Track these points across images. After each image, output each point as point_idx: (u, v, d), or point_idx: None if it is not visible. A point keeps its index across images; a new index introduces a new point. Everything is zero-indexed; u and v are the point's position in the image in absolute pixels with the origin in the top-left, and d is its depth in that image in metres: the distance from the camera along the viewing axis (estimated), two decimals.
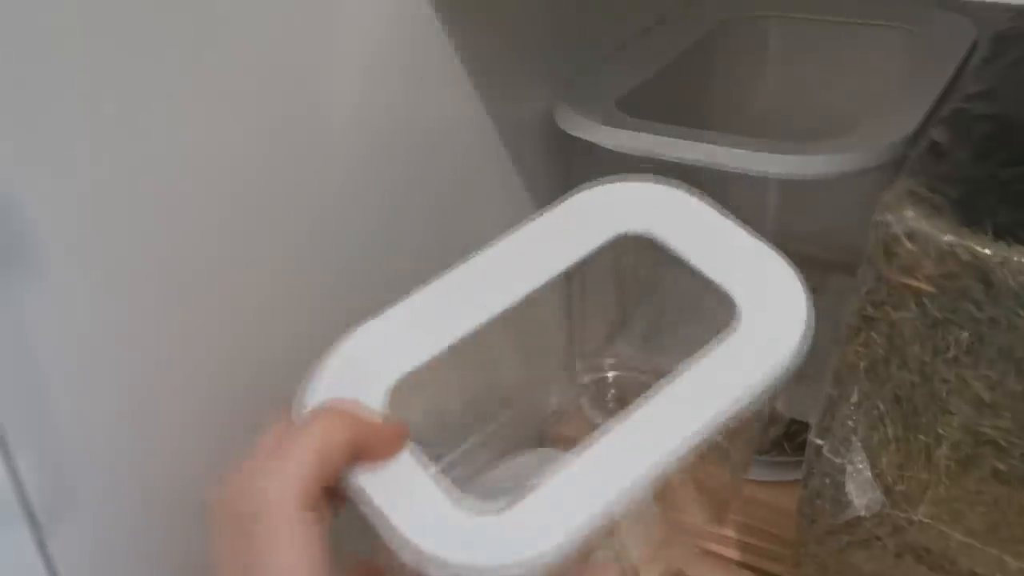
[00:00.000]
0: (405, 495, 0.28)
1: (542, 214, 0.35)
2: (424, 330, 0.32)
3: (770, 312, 0.32)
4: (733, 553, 0.51)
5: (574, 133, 0.49)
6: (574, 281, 0.56)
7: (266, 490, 0.26)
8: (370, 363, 0.31)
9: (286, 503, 0.25)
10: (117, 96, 0.31)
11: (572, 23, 0.53)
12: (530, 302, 0.33)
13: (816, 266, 0.59)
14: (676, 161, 0.46)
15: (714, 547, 0.51)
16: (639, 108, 0.50)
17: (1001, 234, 0.32)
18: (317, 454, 0.27)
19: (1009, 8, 0.46)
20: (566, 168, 0.54)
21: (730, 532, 0.51)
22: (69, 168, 0.30)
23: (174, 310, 0.35)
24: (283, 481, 0.26)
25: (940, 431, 0.35)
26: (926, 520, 0.37)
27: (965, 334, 0.33)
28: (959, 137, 0.39)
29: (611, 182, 0.37)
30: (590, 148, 0.49)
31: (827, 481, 0.39)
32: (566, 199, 0.36)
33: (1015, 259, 0.31)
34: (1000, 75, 0.42)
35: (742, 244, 0.34)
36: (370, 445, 0.29)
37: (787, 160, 0.44)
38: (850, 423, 0.38)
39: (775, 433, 0.54)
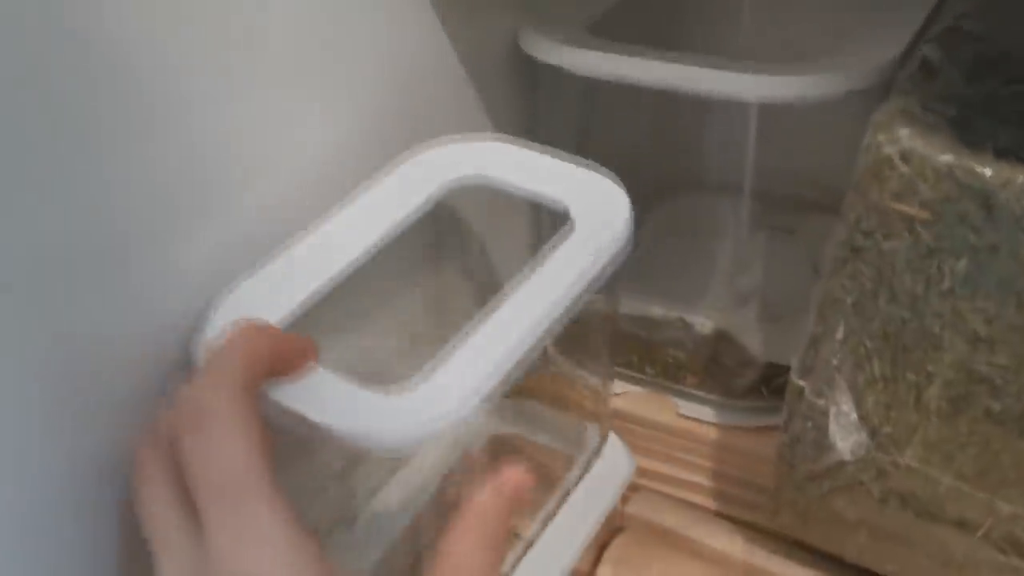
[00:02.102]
0: (318, 394, 0.30)
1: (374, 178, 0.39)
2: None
3: (597, 214, 0.36)
4: (709, 502, 0.49)
5: (540, 58, 0.46)
6: None
7: (204, 398, 0.27)
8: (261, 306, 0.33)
9: (227, 403, 0.27)
10: (141, 96, 0.30)
11: None
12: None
13: (793, 205, 0.57)
14: (650, 85, 0.43)
15: (689, 496, 0.49)
16: (610, 36, 0.46)
17: (1002, 155, 0.30)
18: (244, 359, 0.28)
19: None
20: (531, 97, 0.51)
21: (705, 480, 0.49)
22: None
23: None
24: (219, 385, 0.28)
25: (931, 369, 0.33)
26: (914, 464, 0.35)
27: (962, 263, 0.31)
28: (951, 55, 0.36)
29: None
30: (557, 74, 0.46)
31: (809, 424, 0.37)
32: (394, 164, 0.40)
33: (1020, 180, 0.29)
34: None
35: (568, 168, 0.39)
36: (285, 358, 0.30)
37: (767, 81, 0.41)
38: (834, 362, 0.35)
39: (751, 377, 0.51)
